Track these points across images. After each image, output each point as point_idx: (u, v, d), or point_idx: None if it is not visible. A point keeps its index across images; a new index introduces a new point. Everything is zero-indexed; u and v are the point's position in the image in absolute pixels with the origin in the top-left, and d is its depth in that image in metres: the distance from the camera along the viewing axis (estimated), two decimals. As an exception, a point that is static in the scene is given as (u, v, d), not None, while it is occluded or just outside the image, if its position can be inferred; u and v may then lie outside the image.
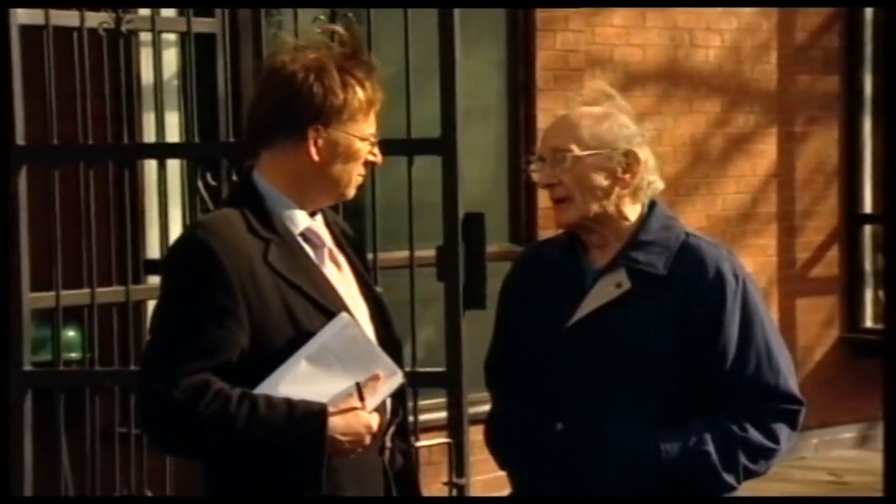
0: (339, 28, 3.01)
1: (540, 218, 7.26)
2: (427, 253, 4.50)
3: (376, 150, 2.95)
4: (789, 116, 8.56)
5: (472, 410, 4.32)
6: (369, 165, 2.96)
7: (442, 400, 4.47)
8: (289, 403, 2.74)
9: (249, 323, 2.77)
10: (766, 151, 8.48)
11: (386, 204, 4.54)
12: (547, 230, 6.59)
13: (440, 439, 3.95)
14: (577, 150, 3.15)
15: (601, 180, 3.16)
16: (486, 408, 3.37)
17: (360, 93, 2.88)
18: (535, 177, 3.24)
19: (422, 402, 4.54)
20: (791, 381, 3.20)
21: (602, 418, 3.10)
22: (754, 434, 3.13)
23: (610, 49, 7.75)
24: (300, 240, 2.90)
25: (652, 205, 3.24)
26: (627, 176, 3.18)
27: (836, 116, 8.75)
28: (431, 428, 4.52)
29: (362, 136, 2.91)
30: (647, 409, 3.10)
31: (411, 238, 4.48)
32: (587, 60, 7.60)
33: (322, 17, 4.45)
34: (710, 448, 3.10)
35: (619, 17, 7.81)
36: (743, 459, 3.12)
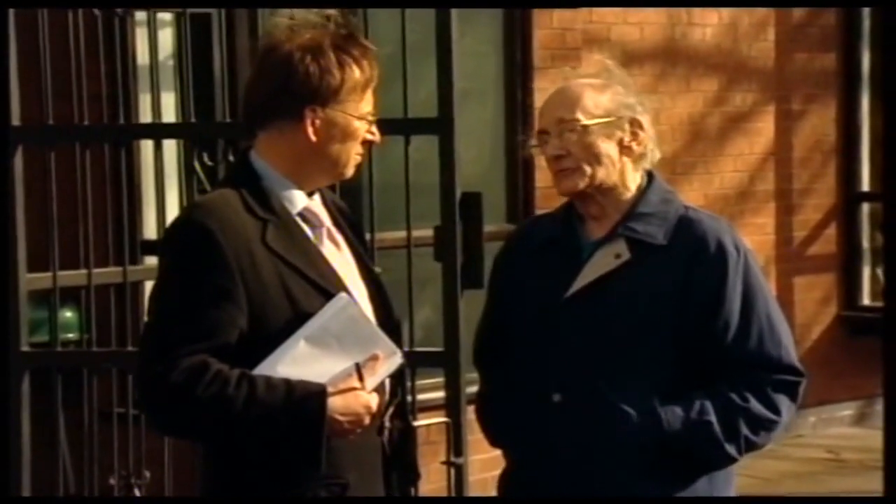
0: (333, 12, 2.99)
1: (537, 198, 7.24)
2: (424, 233, 4.49)
3: (374, 129, 2.94)
4: (787, 94, 8.54)
5: (470, 390, 4.29)
6: (367, 144, 2.95)
7: (440, 380, 4.46)
8: (288, 384, 2.74)
9: (248, 304, 2.76)
10: (764, 129, 8.47)
11: (383, 184, 4.53)
12: (545, 210, 6.57)
13: (438, 419, 3.94)
14: (584, 120, 3.15)
15: (609, 148, 3.16)
16: (481, 387, 3.36)
17: (356, 72, 2.87)
18: (538, 151, 3.22)
19: (420, 382, 4.53)
20: (792, 353, 3.20)
21: (600, 390, 3.09)
22: (756, 405, 3.12)
23: (607, 27, 7.72)
24: (298, 220, 2.89)
25: (650, 178, 3.24)
26: (634, 144, 3.19)
27: (833, 94, 8.73)
28: (429, 407, 4.51)
29: (360, 116, 2.89)
30: (646, 380, 3.09)
31: (408, 218, 4.47)
32: (584, 39, 7.58)
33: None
34: (713, 418, 3.09)
35: (616, -6, 7.78)
36: (745, 430, 3.12)
